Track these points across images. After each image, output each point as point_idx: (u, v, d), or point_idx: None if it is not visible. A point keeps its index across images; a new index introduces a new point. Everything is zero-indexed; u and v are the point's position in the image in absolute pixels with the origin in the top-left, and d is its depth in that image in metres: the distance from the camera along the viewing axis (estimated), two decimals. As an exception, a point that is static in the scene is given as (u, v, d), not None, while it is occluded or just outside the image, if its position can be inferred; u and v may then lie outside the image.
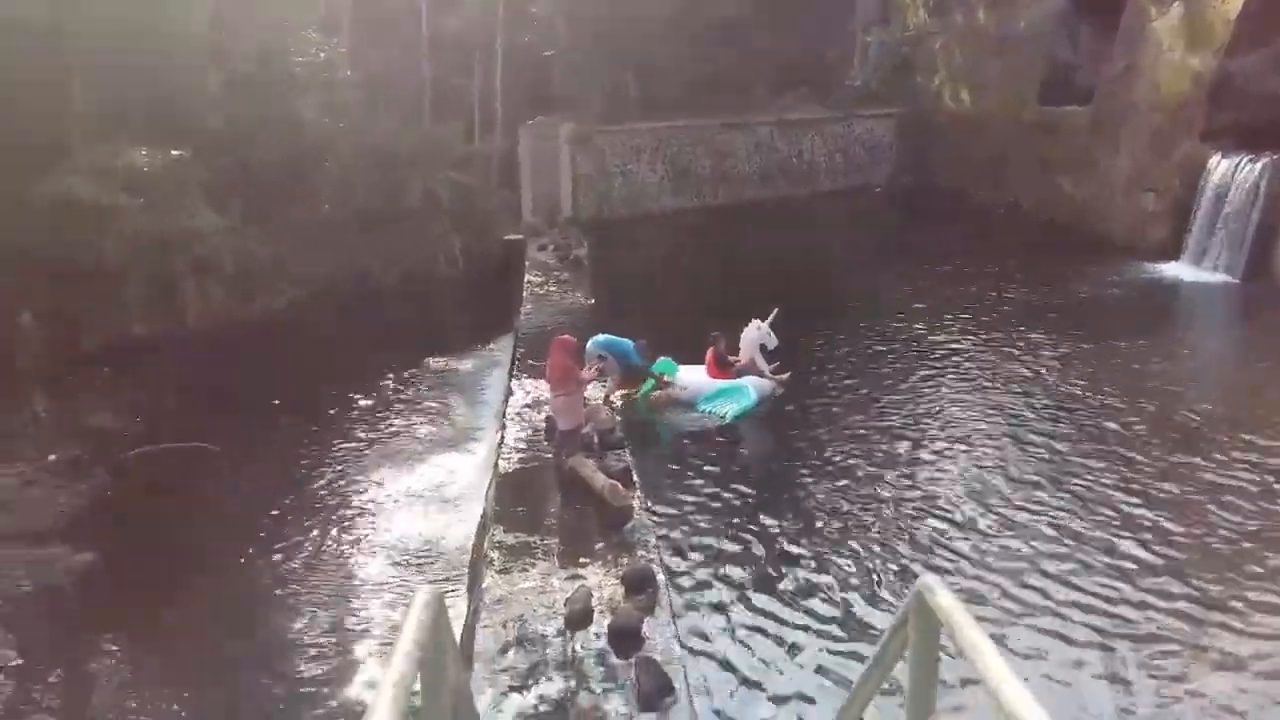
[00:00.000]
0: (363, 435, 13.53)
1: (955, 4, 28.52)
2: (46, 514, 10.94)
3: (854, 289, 19.73)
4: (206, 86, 18.87)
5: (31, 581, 9.60)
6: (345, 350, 16.69)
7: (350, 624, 9.02)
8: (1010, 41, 25.97)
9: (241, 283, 18.14)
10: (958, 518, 9.66)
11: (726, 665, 7.35)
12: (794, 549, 9.22)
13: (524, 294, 18.16)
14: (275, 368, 15.70)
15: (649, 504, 9.68)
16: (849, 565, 8.84)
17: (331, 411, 14.25)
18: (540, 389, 11.71)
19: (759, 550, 9.16)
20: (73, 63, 16.94)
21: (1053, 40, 24.92)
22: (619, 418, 11.71)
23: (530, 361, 13.29)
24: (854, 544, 9.25)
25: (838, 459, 11.26)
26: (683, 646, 7.28)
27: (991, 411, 12.47)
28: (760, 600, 8.25)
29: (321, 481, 12.05)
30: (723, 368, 13.00)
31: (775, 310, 13.30)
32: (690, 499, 10.21)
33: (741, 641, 7.64)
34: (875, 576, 8.65)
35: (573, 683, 6.63)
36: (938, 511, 9.82)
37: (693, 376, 13.06)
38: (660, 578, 7.98)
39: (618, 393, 12.70)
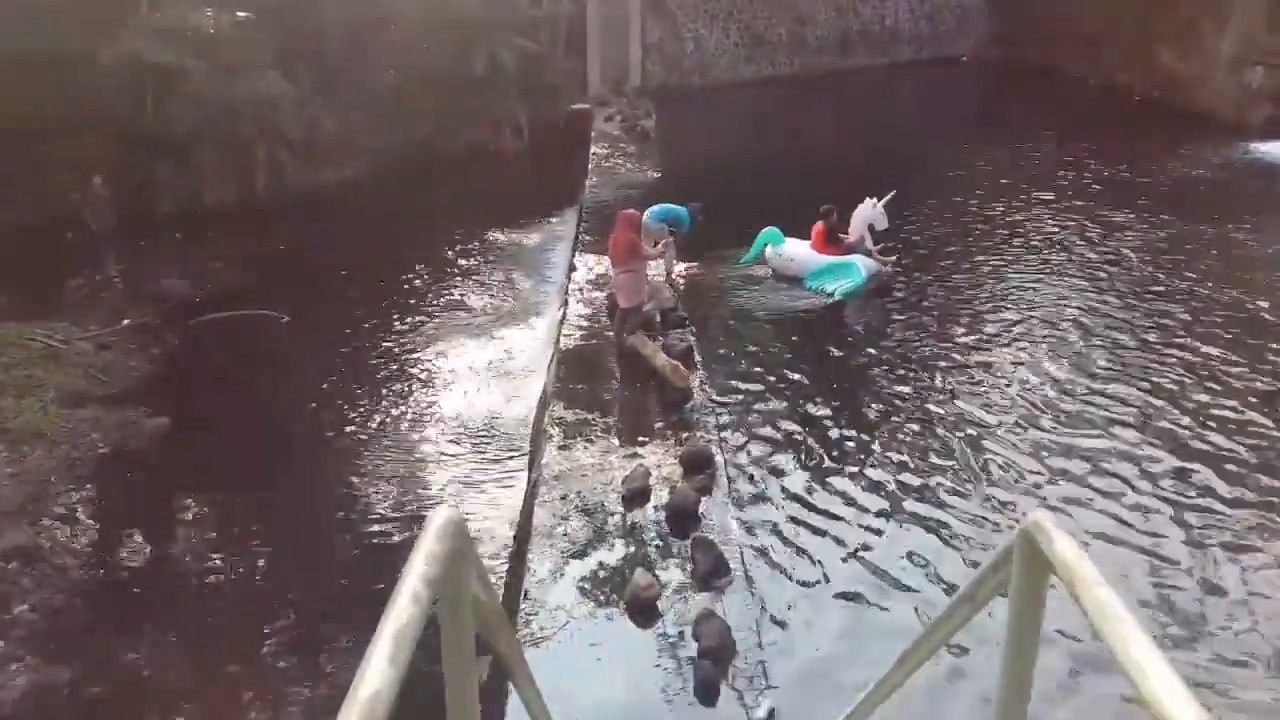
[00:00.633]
0: (426, 307, 13.54)
1: None
2: (121, 377, 11.21)
3: (934, 167, 18.83)
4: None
5: (108, 443, 9.89)
6: (409, 222, 16.60)
7: (415, 496, 9.15)
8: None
9: (309, 152, 18.02)
10: (1025, 415, 9.30)
11: (782, 551, 7.27)
12: (854, 440, 8.97)
13: (589, 166, 17.76)
14: (341, 238, 15.70)
15: (710, 385, 9.54)
16: (911, 461, 8.53)
17: (396, 282, 14.26)
18: (604, 265, 11.50)
19: (819, 437, 8.95)
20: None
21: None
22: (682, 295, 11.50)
23: (593, 238, 13.06)
24: (918, 439, 8.91)
25: (908, 348, 10.87)
26: (740, 527, 7.24)
27: (1069, 296, 11.98)
28: (818, 489, 8.08)
29: (385, 352, 12.14)
30: (832, 243, 12.46)
31: (893, 192, 12.67)
32: (753, 384, 9.99)
33: (798, 528, 7.53)
34: (940, 476, 8.36)
35: (628, 559, 6.65)
36: (1006, 408, 9.47)
37: (799, 250, 12.58)
38: (719, 459, 7.91)
39: (679, 268, 12.41)
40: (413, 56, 20.02)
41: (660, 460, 7.90)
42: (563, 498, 7.42)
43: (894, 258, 12.87)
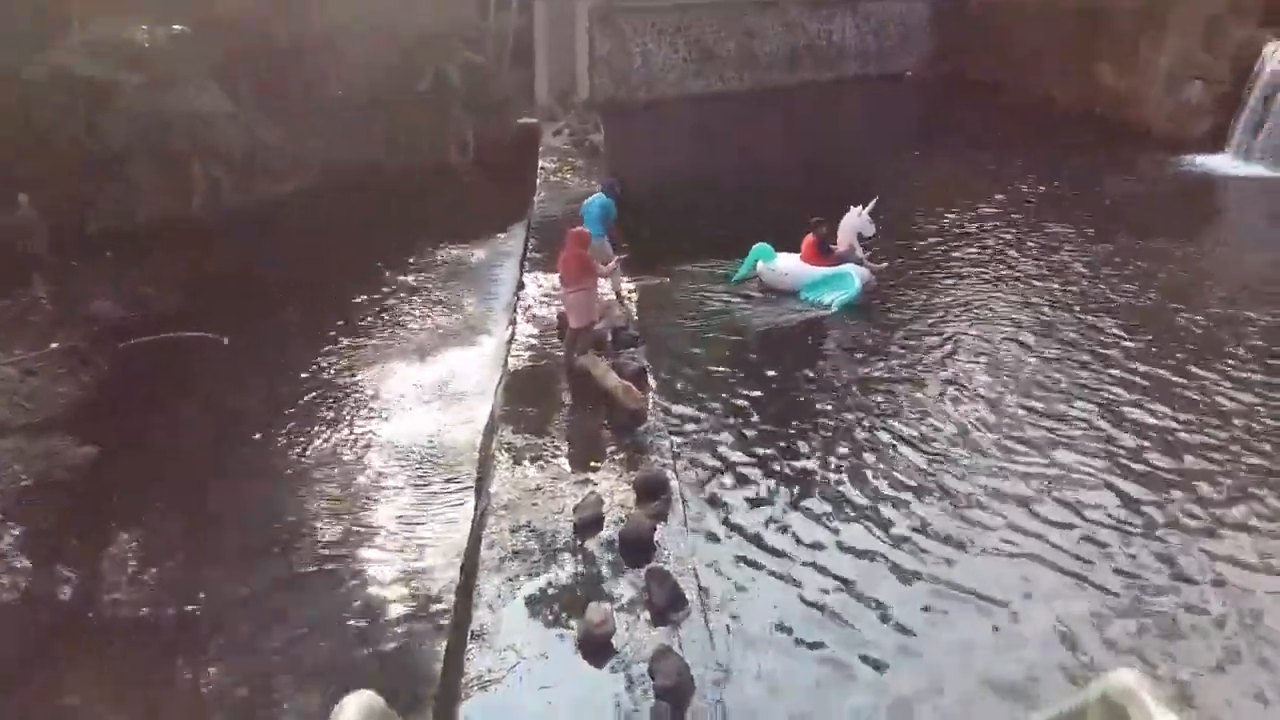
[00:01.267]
0: (368, 327, 13.13)
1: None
2: (48, 404, 10.69)
3: (879, 180, 18.83)
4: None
5: (30, 475, 9.38)
6: (352, 239, 16.18)
7: (355, 529, 8.78)
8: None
9: (248, 167, 17.52)
10: (977, 432, 9.27)
11: (740, 576, 7.09)
12: (811, 458, 8.88)
13: (537, 181, 17.49)
14: (282, 256, 15.24)
15: (664, 406, 9.33)
16: (865, 478, 8.51)
17: (338, 301, 13.81)
18: (553, 282, 11.24)
19: (774, 460, 8.81)
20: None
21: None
22: (634, 314, 11.29)
23: (542, 254, 12.80)
24: (871, 456, 8.88)
25: (858, 364, 10.84)
26: (696, 556, 7.02)
27: (1007, 311, 12.11)
28: (775, 516, 7.95)
29: (327, 373, 11.72)
30: (824, 255, 12.55)
31: (875, 198, 12.82)
32: (708, 403, 9.83)
33: (756, 555, 7.37)
34: (893, 491, 8.32)
35: (581, 592, 6.39)
36: (958, 424, 9.44)
37: (791, 263, 12.66)
38: (674, 484, 7.69)
39: (630, 284, 12.18)
40: (358, 71, 19.56)
41: (613, 486, 7.66)
42: (513, 530, 7.14)
43: (884, 264, 12.96)
